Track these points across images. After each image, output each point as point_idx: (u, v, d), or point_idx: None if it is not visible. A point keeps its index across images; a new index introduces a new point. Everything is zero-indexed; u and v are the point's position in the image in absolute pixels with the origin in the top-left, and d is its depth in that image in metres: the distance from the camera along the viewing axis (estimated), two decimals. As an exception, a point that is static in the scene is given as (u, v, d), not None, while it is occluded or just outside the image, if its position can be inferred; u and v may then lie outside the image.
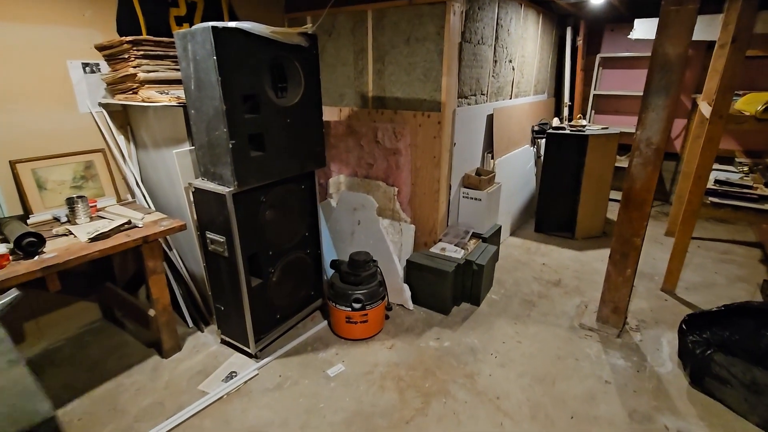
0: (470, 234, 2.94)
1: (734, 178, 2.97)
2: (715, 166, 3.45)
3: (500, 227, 3.25)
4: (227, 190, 1.86)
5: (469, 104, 2.95)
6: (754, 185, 2.68)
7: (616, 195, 4.79)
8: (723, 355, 1.84)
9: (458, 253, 2.73)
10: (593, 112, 4.92)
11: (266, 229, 2.11)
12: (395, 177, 2.88)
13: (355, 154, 3.03)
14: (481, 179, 3.00)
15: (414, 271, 2.67)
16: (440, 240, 2.90)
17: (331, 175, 3.19)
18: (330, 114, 3.13)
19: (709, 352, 1.88)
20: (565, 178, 3.72)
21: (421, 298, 2.70)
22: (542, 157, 4.32)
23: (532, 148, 4.16)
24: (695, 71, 4.37)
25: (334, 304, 2.32)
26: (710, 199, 2.62)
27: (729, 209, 2.54)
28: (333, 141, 3.10)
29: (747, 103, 2.46)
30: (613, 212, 4.37)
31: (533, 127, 4.13)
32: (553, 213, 3.87)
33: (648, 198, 2.14)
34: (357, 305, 2.25)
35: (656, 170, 2.09)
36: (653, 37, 3.82)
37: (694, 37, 3.67)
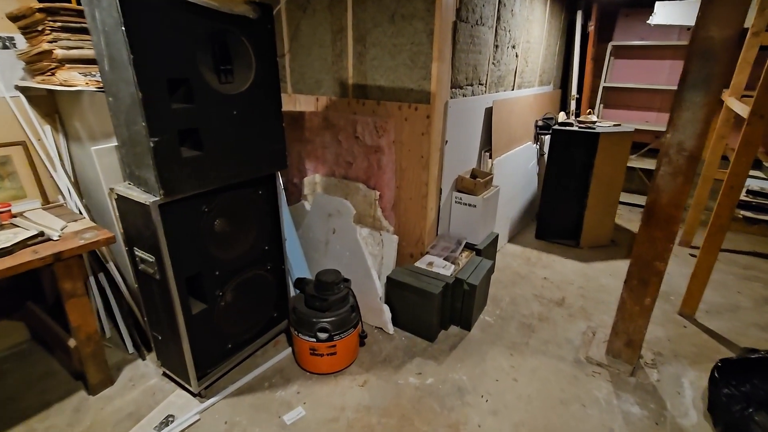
0: (462, 245, 2.56)
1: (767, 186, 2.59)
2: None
3: (497, 236, 2.87)
4: (152, 199, 1.47)
5: (464, 95, 2.55)
6: (794, 197, 2.31)
7: (625, 198, 4.41)
8: (767, 415, 1.49)
9: (447, 269, 2.35)
10: (602, 106, 4.51)
11: (212, 245, 1.73)
12: (377, 179, 2.49)
13: (333, 150, 2.63)
14: (476, 182, 2.61)
15: (396, 290, 2.30)
16: (428, 252, 2.52)
17: (306, 173, 2.79)
18: (306, 104, 2.73)
19: (749, 410, 1.53)
20: (571, 180, 3.34)
21: (403, 321, 2.34)
22: (546, 156, 3.93)
23: (535, 145, 3.76)
24: (717, 63, 3.95)
25: (296, 332, 1.95)
26: (742, 212, 2.24)
27: (765, 225, 2.16)
28: (308, 135, 2.71)
29: None
30: (622, 218, 4.00)
31: (537, 121, 3.73)
32: (556, 218, 3.49)
33: (676, 215, 1.76)
34: (323, 335, 1.89)
35: (688, 182, 1.70)
36: (676, 23, 3.44)
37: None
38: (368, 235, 2.50)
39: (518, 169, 3.44)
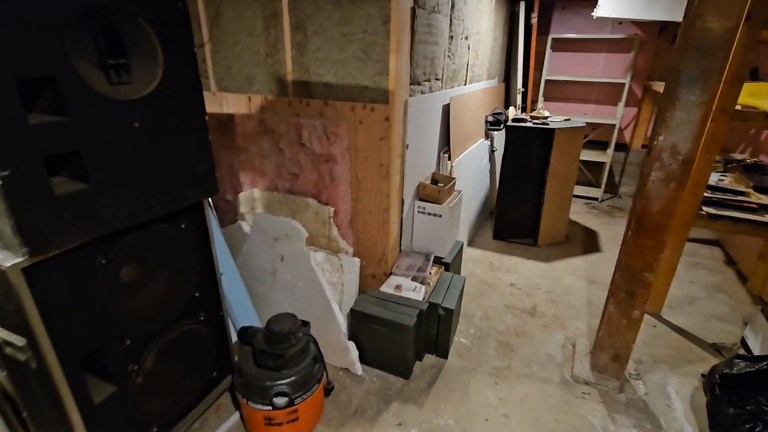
0: (431, 261, 2.29)
1: (721, 181, 2.64)
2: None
3: (462, 245, 2.65)
4: (11, 261, 0.98)
5: (422, 92, 2.25)
6: (746, 191, 2.34)
7: (577, 191, 4.46)
8: (775, 433, 1.40)
9: (418, 292, 2.06)
10: (542, 99, 4.50)
11: (117, 306, 1.26)
12: (330, 192, 2.11)
13: (273, 160, 2.20)
14: (440, 190, 2.34)
15: (362, 324, 1.96)
16: (392, 272, 2.21)
17: (241, 188, 2.33)
18: (236, 104, 2.25)
19: (757, 430, 1.43)
20: (527, 178, 3.22)
21: (372, 358, 2.01)
22: (496, 152, 3.81)
23: (486, 141, 3.60)
24: (647, 55, 4.09)
25: (245, 400, 1.54)
26: (705, 209, 2.22)
27: (727, 221, 2.15)
28: (242, 142, 2.24)
29: (753, 96, 2.05)
30: (576, 214, 4.01)
31: (487, 117, 3.57)
32: (513, 218, 3.37)
33: (667, 223, 1.63)
34: (281, 401, 1.50)
35: (681, 188, 1.56)
36: (620, 16, 3.43)
37: (651, 17, 3.31)
38: (324, 259, 2.12)
39: (474, 169, 3.25)
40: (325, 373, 1.71)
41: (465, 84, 3.02)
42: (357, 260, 2.13)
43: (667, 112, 1.49)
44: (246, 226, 2.20)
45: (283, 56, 2.03)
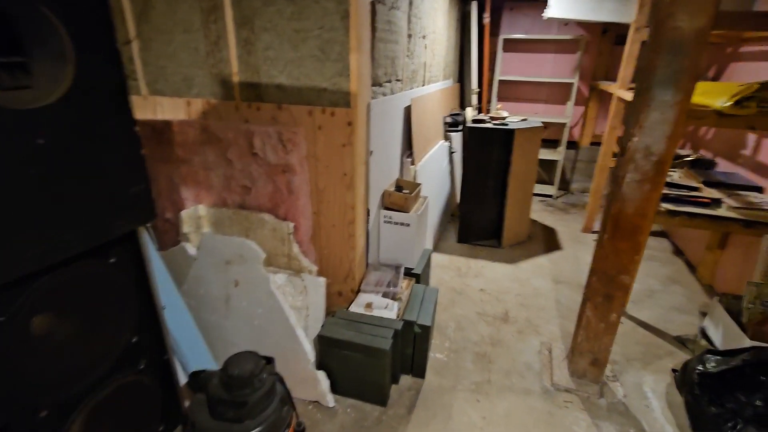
0: (401, 274, 2.15)
1: (670, 177, 2.73)
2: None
3: (430, 252, 2.54)
4: None
5: (384, 94, 2.11)
6: (698, 186, 2.43)
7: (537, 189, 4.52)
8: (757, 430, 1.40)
9: (391, 310, 1.92)
10: (496, 98, 4.54)
11: (26, 371, 0.99)
12: (288, 206, 1.91)
13: (221, 172, 1.96)
14: (407, 197, 2.21)
15: (332, 350, 1.78)
16: (361, 289, 2.05)
17: (183, 204, 2.05)
18: (172, 109, 1.98)
19: (739, 428, 1.43)
20: (489, 180, 3.19)
21: (344, 387, 1.84)
22: (455, 153, 3.76)
23: (446, 143, 3.54)
24: (592, 56, 4.24)
25: (201, 459, 1.30)
26: (664, 205, 2.26)
27: (685, 217, 2.21)
28: (182, 153, 1.97)
29: (705, 95, 2.11)
30: (533, 212, 4.05)
31: (445, 118, 3.50)
32: (477, 220, 3.33)
33: (643, 225, 1.60)
34: (245, 457, 1.28)
35: (656, 190, 1.54)
36: (570, 17, 3.49)
37: (599, 18, 3.41)
38: (286, 282, 1.91)
39: (436, 172, 3.16)
40: (294, 413, 1.52)
41: (423, 85, 2.92)
42: (322, 280, 1.94)
43: (641, 113, 1.45)
44: (191, 248, 1.93)
45: (228, 55, 1.79)
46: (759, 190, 2.38)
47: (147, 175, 1.19)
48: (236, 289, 1.82)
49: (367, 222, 2.09)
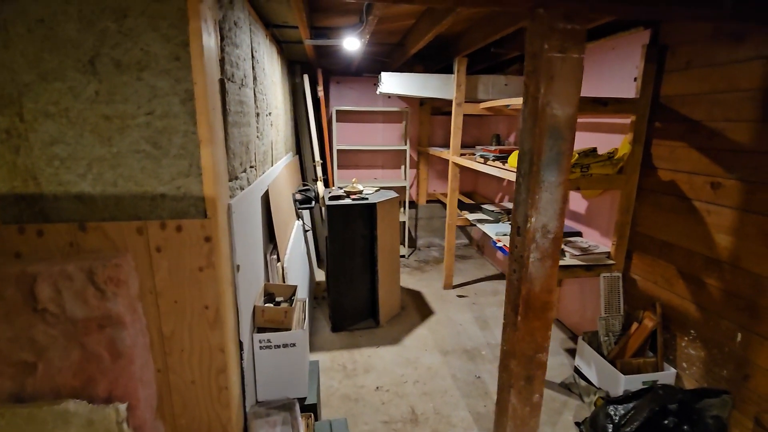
0: (297, 414, 1.63)
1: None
2: (473, 216, 3.57)
3: (318, 365, 2.08)
4: None
5: (242, 188, 1.65)
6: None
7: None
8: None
9: (299, 480, 1.38)
10: (337, 168, 4.48)
11: None
12: (114, 377, 1.21)
13: (-33, 348, 1.12)
14: (286, 310, 1.75)
15: None
16: (248, 460, 1.44)
17: None
18: None
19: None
20: (356, 257, 2.96)
21: None
22: (308, 232, 3.43)
23: (298, 222, 3.18)
24: (414, 125, 4.65)
25: None
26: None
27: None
28: None
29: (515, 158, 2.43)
30: (402, 281, 3.97)
31: (294, 195, 3.18)
32: (350, 302, 3.02)
33: (551, 300, 1.59)
34: None
35: (556, 264, 1.55)
36: (401, 93, 3.70)
37: (427, 95, 3.73)
38: (124, 508, 1.16)
39: (299, 259, 2.76)
40: None
41: (272, 165, 2.55)
42: (190, 476, 1.27)
43: (536, 194, 1.45)
44: None
45: (-30, 155, 1.08)
46: (579, 234, 2.83)
47: None
48: None
49: (241, 359, 1.54)
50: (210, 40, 1.20)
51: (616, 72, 2.44)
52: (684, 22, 1.92)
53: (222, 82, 1.33)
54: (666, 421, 1.64)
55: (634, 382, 2.05)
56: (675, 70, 2.06)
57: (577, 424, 2.09)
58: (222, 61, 1.34)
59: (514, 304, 1.62)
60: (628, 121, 2.31)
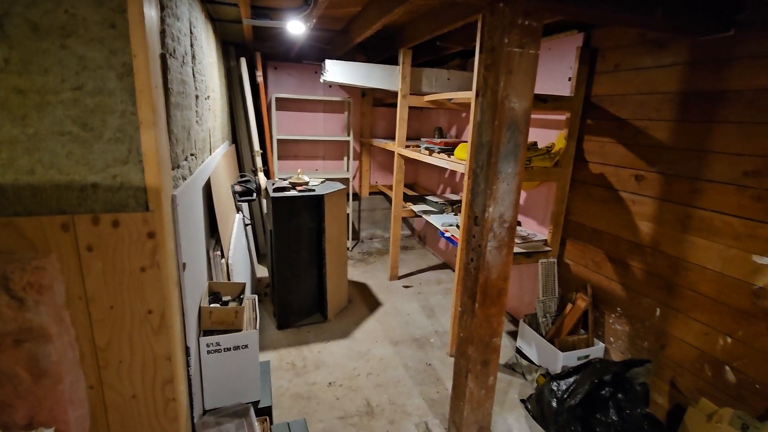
0: (253, 419, 1.52)
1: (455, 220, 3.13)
2: (417, 207, 3.63)
3: (269, 363, 1.97)
4: None
5: (184, 177, 1.49)
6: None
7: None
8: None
9: (260, 490, 1.30)
10: (277, 158, 4.27)
11: None
12: (36, 399, 1.03)
13: None
14: (236, 309, 1.62)
15: None
16: (201, 475, 1.32)
17: None
18: None
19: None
20: (302, 251, 2.85)
21: None
22: (249, 226, 3.25)
23: (238, 215, 2.99)
24: (356, 116, 4.58)
25: None
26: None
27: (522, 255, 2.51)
28: None
29: (462, 150, 2.52)
30: (348, 274, 3.91)
31: (234, 187, 2.98)
32: (296, 297, 2.92)
33: (505, 287, 1.65)
34: None
35: (511, 252, 1.61)
36: (346, 82, 3.60)
37: (372, 85, 3.69)
38: None
39: (242, 255, 2.59)
40: None
41: (210, 153, 2.35)
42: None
43: (494, 185, 1.49)
44: None
45: None
46: (519, 224, 3.00)
47: None
48: None
49: (188, 366, 1.40)
50: (151, 8, 1.05)
51: (552, 71, 2.60)
52: (621, 26, 2.07)
53: (163, 57, 1.17)
54: (603, 392, 1.81)
55: (571, 359, 2.23)
56: (605, 71, 2.25)
57: (523, 401, 2.23)
58: (163, 34, 1.18)
59: (471, 292, 1.66)
60: (563, 117, 2.48)
